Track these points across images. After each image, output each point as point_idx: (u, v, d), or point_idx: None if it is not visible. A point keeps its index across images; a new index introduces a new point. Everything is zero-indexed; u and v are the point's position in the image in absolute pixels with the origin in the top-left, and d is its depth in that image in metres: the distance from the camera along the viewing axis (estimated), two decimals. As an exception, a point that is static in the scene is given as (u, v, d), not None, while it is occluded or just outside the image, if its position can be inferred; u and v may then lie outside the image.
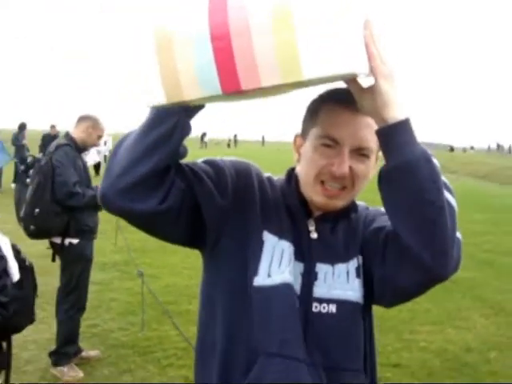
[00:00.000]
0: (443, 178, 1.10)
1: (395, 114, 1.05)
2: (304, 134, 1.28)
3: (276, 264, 1.20)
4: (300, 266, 1.22)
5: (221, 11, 0.97)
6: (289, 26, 0.94)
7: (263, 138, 79.99)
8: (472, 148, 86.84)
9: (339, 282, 1.22)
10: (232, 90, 0.99)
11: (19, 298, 2.02)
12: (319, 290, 1.21)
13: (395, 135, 1.05)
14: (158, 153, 1.10)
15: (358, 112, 1.13)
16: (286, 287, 1.18)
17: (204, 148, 44.03)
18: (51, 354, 3.95)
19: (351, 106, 1.12)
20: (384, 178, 1.10)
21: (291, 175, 1.33)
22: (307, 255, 1.23)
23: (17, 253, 2.12)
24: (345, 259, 1.24)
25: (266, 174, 1.36)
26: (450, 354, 4.49)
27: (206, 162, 1.25)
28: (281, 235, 1.23)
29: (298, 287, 1.20)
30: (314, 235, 1.25)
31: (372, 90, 1.05)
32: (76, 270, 3.96)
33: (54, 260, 4.04)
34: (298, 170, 1.30)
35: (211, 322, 1.26)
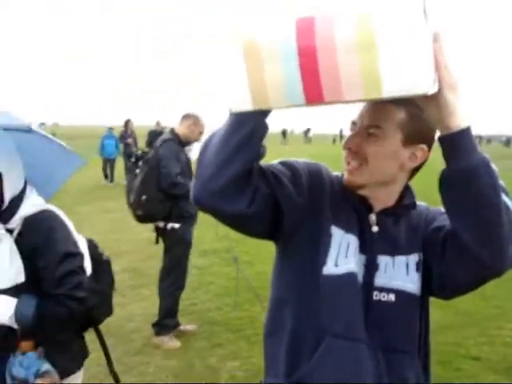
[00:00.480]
0: (501, 182, 1.16)
1: (459, 122, 1.12)
2: None
3: (343, 255, 1.30)
4: (362, 258, 1.32)
5: (308, 30, 1.04)
6: (372, 46, 1.01)
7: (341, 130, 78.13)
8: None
9: (399, 273, 1.30)
10: (315, 102, 1.08)
11: (97, 291, 2.05)
12: (380, 280, 1.30)
13: (458, 142, 1.12)
14: (242, 154, 1.17)
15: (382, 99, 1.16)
16: (351, 276, 1.28)
17: (308, 143, 43.66)
18: (153, 325, 4.46)
19: None
20: (446, 181, 1.17)
21: None
22: (369, 247, 1.32)
23: (94, 248, 2.18)
24: (405, 252, 1.33)
25: (335, 173, 1.46)
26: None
27: (282, 163, 1.35)
28: (347, 229, 1.32)
29: (360, 277, 1.30)
30: (375, 228, 1.34)
31: (437, 99, 1.10)
32: (177, 252, 4.42)
33: (157, 242, 4.52)
34: None
35: (282, 304, 1.38)
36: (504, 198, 1.15)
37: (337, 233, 1.32)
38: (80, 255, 1.97)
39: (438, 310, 5.35)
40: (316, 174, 1.38)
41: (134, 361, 4.11)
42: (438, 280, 1.29)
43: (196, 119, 4.50)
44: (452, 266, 1.24)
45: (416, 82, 1.03)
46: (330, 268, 1.29)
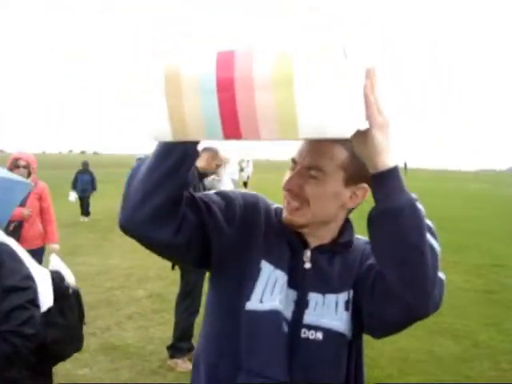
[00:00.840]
0: (427, 222, 1.15)
1: (386, 161, 1.10)
2: None
3: (269, 291, 1.27)
4: (294, 294, 1.29)
5: (228, 63, 1.02)
6: (289, 84, 0.98)
7: (405, 163, 77.68)
8: None
9: (328, 312, 1.28)
10: (233, 138, 1.06)
11: (60, 325, 1.97)
12: (309, 318, 1.28)
13: (385, 182, 1.11)
14: (169, 184, 1.16)
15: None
16: (274, 313, 1.25)
17: None
18: (168, 348, 4.65)
19: None
20: (372, 221, 1.15)
21: None
22: (300, 284, 1.30)
23: (60, 280, 2.09)
24: (336, 290, 1.30)
25: (275, 205, 1.44)
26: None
27: (217, 193, 1.36)
28: (277, 264, 1.30)
29: (289, 313, 1.28)
30: (308, 265, 1.32)
31: (365, 136, 1.09)
32: (191, 278, 4.62)
33: (173, 268, 4.75)
34: None
35: (206, 334, 1.38)
36: (430, 239, 1.13)
37: (266, 268, 1.30)
38: (31, 289, 1.87)
39: (453, 341, 5.42)
40: (252, 205, 1.37)
41: (147, 380, 4.31)
42: (368, 319, 1.27)
43: (214, 153, 4.74)
44: (379, 306, 1.22)
45: (333, 125, 0.99)
46: (253, 304, 1.26)
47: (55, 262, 4.42)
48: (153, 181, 1.17)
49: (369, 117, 1.07)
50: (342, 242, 1.37)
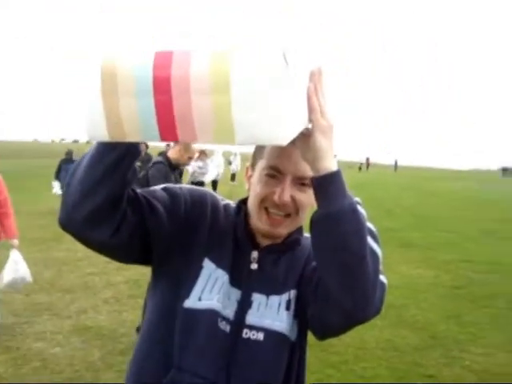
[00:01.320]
0: (369, 225, 1.14)
1: (328, 165, 1.09)
2: (253, 165, 1.35)
3: (208, 290, 1.26)
4: (237, 294, 1.28)
5: (165, 66, 1.00)
6: (225, 89, 0.96)
7: (396, 162, 78.26)
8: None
9: (270, 313, 1.27)
10: (169, 140, 1.05)
11: None
12: (251, 318, 1.27)
13: (326, 185, 1.10)
14: (107, 183, 1.13)
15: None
16: (211, 313, 1.24)
17: None
18: (137, 329, 4.89)
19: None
20: (313, 225, 1.13)
21: (240, 207, 1.38)
22: (245, 284, 1.29)
23: None
24: (279, 292, 1.30)
25: (224, 202, 1.41)
26: (491, 375, 4.71)
27: (164, 189, 1.33)
28: (219, 263, 1.29)
29: (232, 313, 1.27)
30: (255, 266, 1.31)
31: (308, 140, 1.09)
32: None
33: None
34: (249, 200, 1.35)
35: (143, 332, 1.35)
36: (371, 243, 1.12)
37: (208, 266, 1.29)
38: None
39: (412, 332, 5.70)
40: (199, 202, 1.35)
41: (115, 360, 4.55)
42: (311, 321, 1.27)
43: (186, 145, 4.96)
44: (320, 309, 1.22)
45: (269, 133, 0.98)
46: (191, 301, 1.25)
47: (15, 257, 4.61)
48: (92, 179, 1.13)
49: (312, 120, 1.07)
50: (289, 241, 1.36)
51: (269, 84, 0.96)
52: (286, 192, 1.24)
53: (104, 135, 1.07)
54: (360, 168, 58.09)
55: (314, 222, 1.12)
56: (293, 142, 1.04)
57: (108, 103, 1.04)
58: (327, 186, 1.10)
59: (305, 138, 1.10)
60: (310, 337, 1.35)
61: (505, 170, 74.82)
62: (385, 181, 34.76)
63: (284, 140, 0.99)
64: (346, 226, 1.08)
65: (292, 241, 1.36)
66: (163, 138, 1.05)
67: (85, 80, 1.04)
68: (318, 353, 4.73)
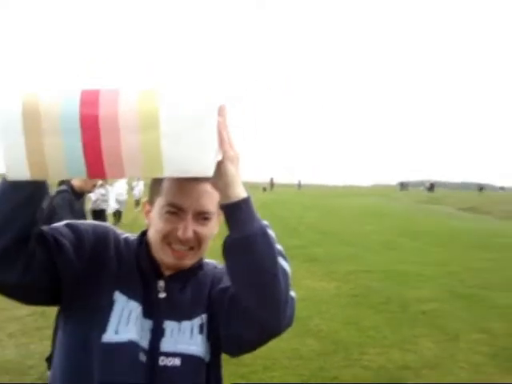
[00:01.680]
0: (278, 246, 1.21)
1: (239, 191, 1.17)
2: (151, 201, 1.37)
3: (124, 323, 1.27)
4: (149, 323, 1.30)
5: (92, 104, 1.01)
6: (154, 125, 1.02)
7: (299, 181, 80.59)
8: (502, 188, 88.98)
9: (184, 338, 1.30)
10: (97, 177, 1.08)
11: None
12: (166, 345, 1.29)
13: (237, 212, 1.17)
14: (15, 223, 1.12)
15: (199, 180, 1.22)
16: (132, 345, 1.25)
17: None
18: (47, 359, 4.85)
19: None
20: (226, 249, 1.19)
21: (142, 239, 1.40)
22: (155, 313, 1.31)
23: None
24: (190, 317, 1.33)
25: (124, 235, 1.43)
26: (386, 370, 5.18)
27: (67, 225, 1.31)
28: (131, 295, 1.30)
29: (146, 342, 1.28)
30: (163, 295, 1.34)
31: (219, 170, 1.14)
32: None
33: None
34: (149, 233, 1.38)
35: (57, 366, 1.32)
36: (281, 262, 1.19)
37: (120, 299, 1.30)
38: None
39: (316, 341, 6.06)
40: (103, 237, 1.36)
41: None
42: (225, 340, 1.31)
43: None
44: (236, 328, 1.26)
45: (196, 165, 1.06)
46: (109, 336, 1.25)
47: None
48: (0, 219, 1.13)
49: (222, 151, 1.13)
50: (192, 268, 1.39)
51: (195, 122, 1.04)
52: (189, 228, 1.28)
53: (25, 174, 1.06)
54: (264, 189, 59.14)
55: (228, 247, 1.19)
56: (195, 178, 1.14)
57: (30, 141, 1.03)
58: (239, 211, 1.17)
59: (216, 168, 1.14)
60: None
61: (402, 185, 79.43)
62: (289, 200, 35.75)
63: (209, 171, 1.08)
64: (258, 248, 1.16)
65: (195, 267, 1.40)
66: (90, 175, 1.07)
67: (5, 119, 1.03)
68: (228, 366, 4.79)
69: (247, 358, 5.22)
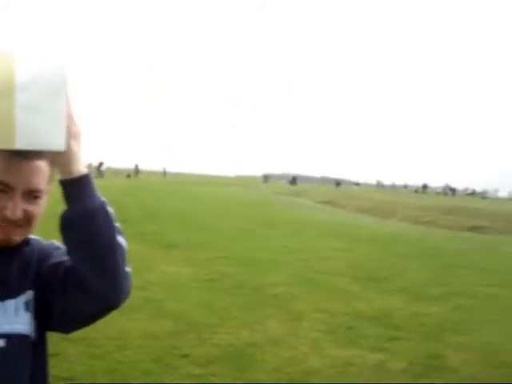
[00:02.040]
0: (116, 224, 1.23)
1: (80, 168, 1.17)
2: None
3: None
4: None
5: None
6: (10, 93, 0.99)
7: (165, 169, 79.94)
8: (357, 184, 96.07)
9: (8, 317, 1.24)
10: None
11: None
12: None
13: (79, 186, 1.17)
14: None
15: (29, 158, 1.18)
16: None
17: (100, 178, 42.28)
18: None
19: (23, 152, 1.12)
20: (67, 222, 1.18)
21: None
22: None
23: None
24: (15, 294, 1.27)
25: None
26: (235, 348, 5.54)
27: None
28: None
29: None
30: None
31: None
32: None
33: None
34: None
35: None
36: (119, 237, 1.21)
37: None
38: None
39: (170, 321, 6.26)
40: None
41: None
42: (59, 315, 1.28)
43: None
44: (74, 301, 1.25)
45: (49, 139, 1.04)
46: None
47: None
48: None
49: (67, 127, 1.12)
50: (17, 245, 1.32)
51: (51, 94, 1.03)
52: (18, 207, 1.21)
53: None
54: (129, 175, 57.95)
55: (69, 220, 1.18)
56: (23, 153, 1.12)
57: None
58: (81, 187, 1.18)
59: None
60: (75, 334, 1.40)
61: (265, 177, 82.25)
62: (153, 187, 35.41)
63: (62, 146, 1.07)
64: (99, 222, 1.17)
65: (20, 244, 1.31)
66: None
67: None
68: (82, 347, 4.95)
69: (100, 338, 5.30)
